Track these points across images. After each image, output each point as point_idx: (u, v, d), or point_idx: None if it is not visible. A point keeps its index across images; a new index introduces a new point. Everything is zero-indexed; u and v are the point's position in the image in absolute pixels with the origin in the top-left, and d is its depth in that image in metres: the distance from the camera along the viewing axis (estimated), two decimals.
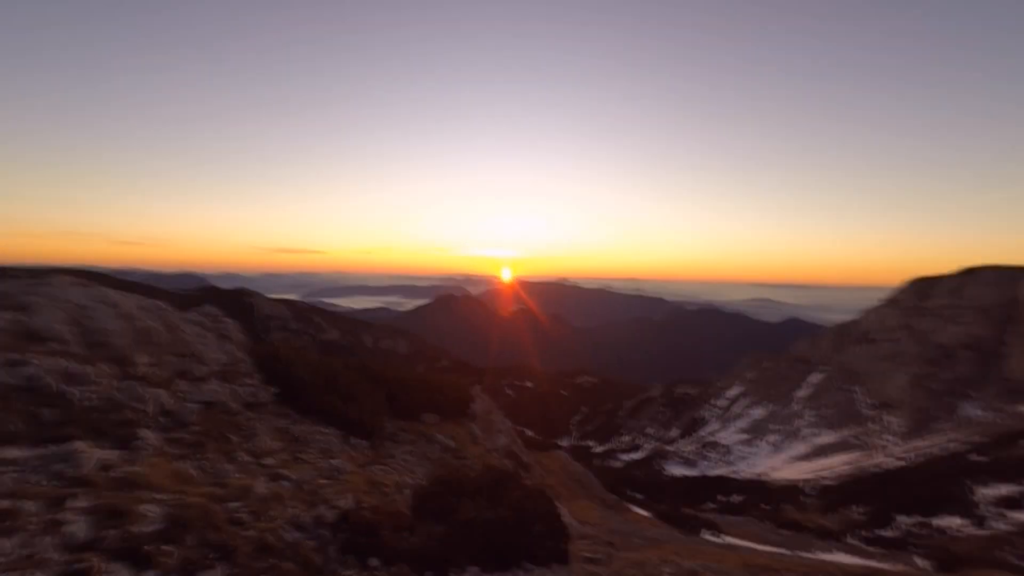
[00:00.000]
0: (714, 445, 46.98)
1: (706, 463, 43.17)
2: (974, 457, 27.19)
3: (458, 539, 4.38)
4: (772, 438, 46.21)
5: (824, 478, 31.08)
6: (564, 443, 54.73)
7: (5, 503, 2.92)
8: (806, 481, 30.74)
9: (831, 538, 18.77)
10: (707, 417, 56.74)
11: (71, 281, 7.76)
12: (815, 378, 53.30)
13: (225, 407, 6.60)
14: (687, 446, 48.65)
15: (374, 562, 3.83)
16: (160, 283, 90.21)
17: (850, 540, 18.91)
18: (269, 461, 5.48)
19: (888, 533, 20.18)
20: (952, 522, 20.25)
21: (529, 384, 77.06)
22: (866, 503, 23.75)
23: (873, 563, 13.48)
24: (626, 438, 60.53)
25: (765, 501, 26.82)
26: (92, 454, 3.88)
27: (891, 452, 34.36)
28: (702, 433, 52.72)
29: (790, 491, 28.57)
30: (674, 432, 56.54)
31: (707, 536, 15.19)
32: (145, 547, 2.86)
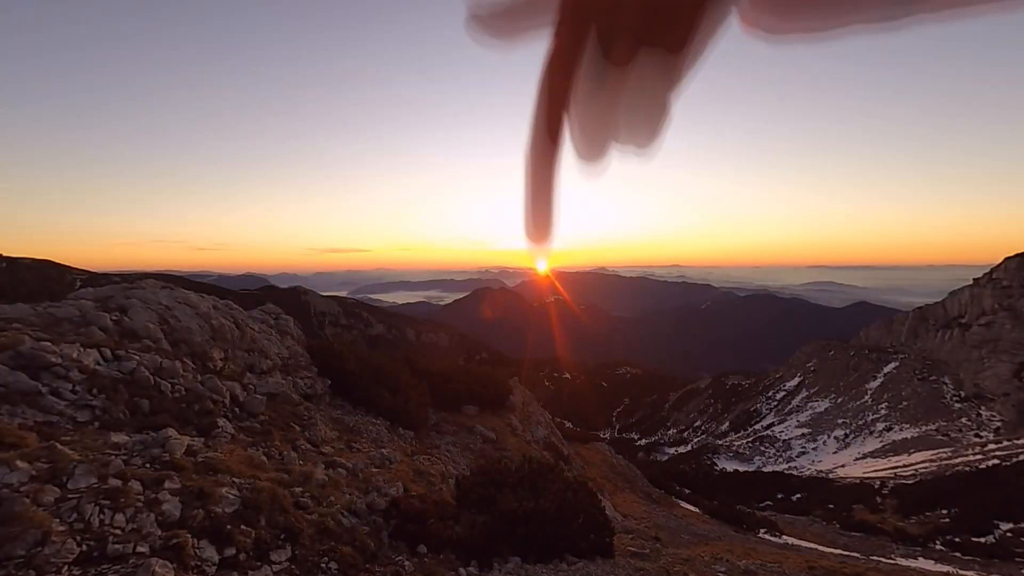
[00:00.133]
0: (770, 439, 44.12)
1: (761, 458, 40.72)
2: None
3: (500, 530, 4.50)
4: (838, 433, 42.48)
5: (902, 477, 28.17)
6: (605, 435, 54.14)
7: (116, 482, 3.42)
8: (880, 479, 28.05)
9: (912, 543, 17.04)
10: (762, 410, 53.28)
11: (158, 285, 8.82)
12: (890, 368, 47.98)
13: (287, 398, 7.22)
14: (740, 440, 46.15)
15: (422, 549, 4.04)
16: (228, 284, 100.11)
17: (937, 547, 17.05)
18: (326, 449, 5.93)
19: (985, 540, 17.93)
20: None
21: (567, 376, 76.70)
22: (955, 505, 21.20)
23: (969, 573, 12.09)
24: (672, 431, 58.57)
25: (830, 500, 24.86)
26: (182, 441, 4.42)
27: (986, 449, 30.30)
28: (756, 427, 49.67)
29: (861, 490, 26.23)
30: (725, 425, 53.79)
31: (764, 535, 14.41)
32: (227, 527, 3.23)
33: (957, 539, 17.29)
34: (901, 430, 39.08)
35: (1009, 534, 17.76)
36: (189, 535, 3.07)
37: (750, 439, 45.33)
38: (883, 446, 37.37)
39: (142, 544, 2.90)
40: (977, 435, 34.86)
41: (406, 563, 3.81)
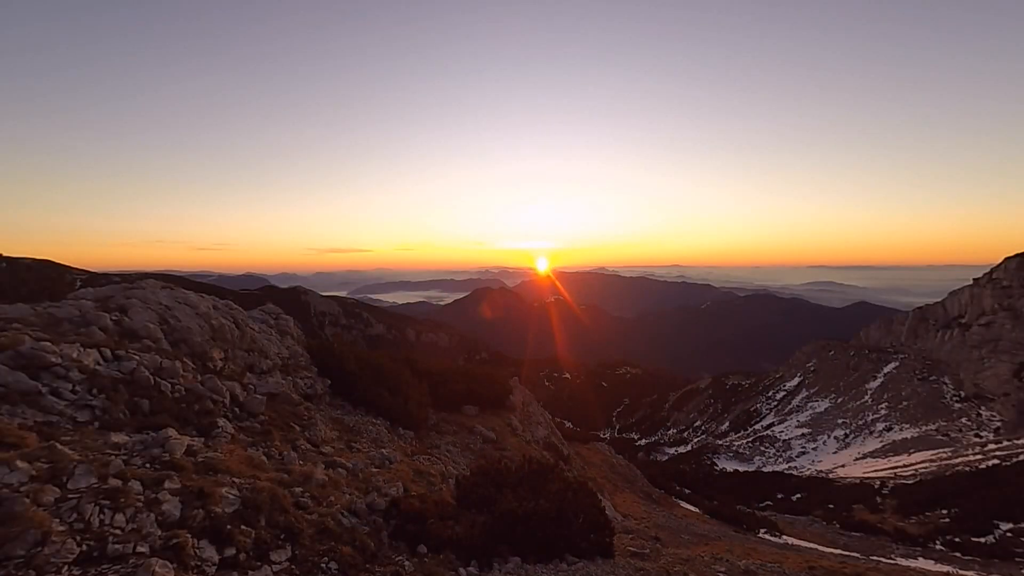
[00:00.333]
0: (770, 439, 44.12)
1: (762, 458, 40.71)
2: None
3: (500, 530, 4.49)
4: (838, 433, 42.48)
5: (902, 477, 28.17)
6: (605, 435, 54.14)
7: (116, 482, 3.42)
8: (880, 479, 28.05)
9: (912, 543, 17.05)
10: (762, 410, 53.28)
11: (158, 285, 8.82)
12: (890, 368, 47.98)
13: (287, 398, 7.22)
14: (740, 440, 46.15)
15: (422, 549, 4.04)
16: (228, 284, 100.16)
17: (937, 547, 17.05)
18: (326, 449, 5.93)
19: (985, 540, 17.92)
20: None
21: (567, 376, 76.70)
22: (955, 505, 21.19)
23: (969, 573, 12.09)
24: (672, 431, 58.57)
25: (830, 500, 24.86)
26: (181, 441, 4.41)
27: (986, 450, 30.29)
28: (756, 427, 49.68)
29: (861, 490, 26.22)
30: (725, 425, 53.80)
31: (764, 535, 14.40)
32: (227, 527, 3.23)
33: (957, 539, 17.28)
34: (901, 430, 39.09)
35: (1009, 534, 17.75)
36: (189, 535, 3.07)
37: (750, 439, 45.33)
38: (883, 446, 37.36)
39: (142, 544, 2.90)
40: (977, 435, 34.88)
41: (406, 563, 3.81)
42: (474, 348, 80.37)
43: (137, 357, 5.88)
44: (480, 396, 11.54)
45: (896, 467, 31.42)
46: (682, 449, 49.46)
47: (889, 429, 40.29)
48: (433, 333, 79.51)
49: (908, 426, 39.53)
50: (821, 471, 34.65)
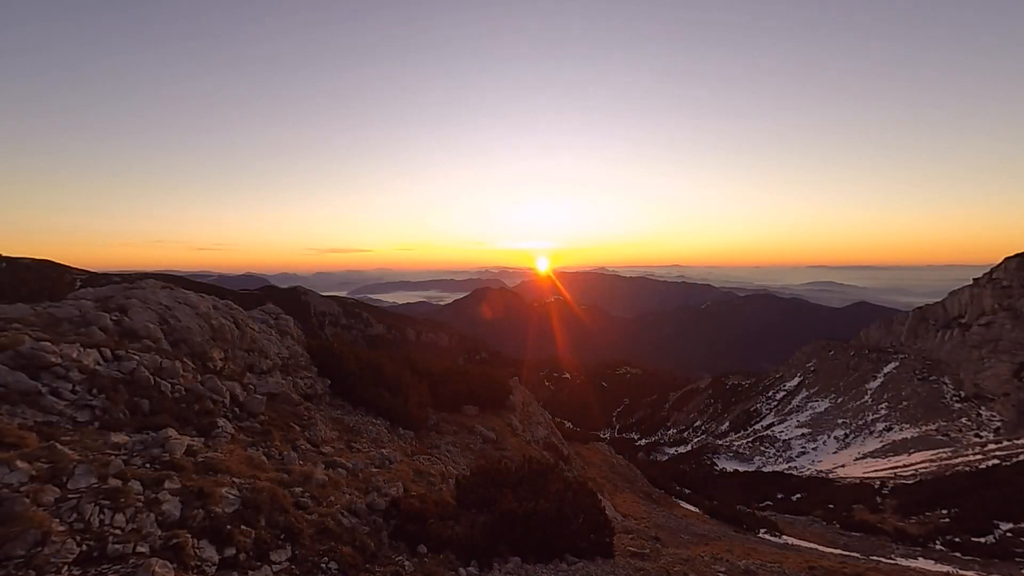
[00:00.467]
0: (770, 439, 44.12)
1: (762, 458, 40.71)
2: None
3: (500, 530, 4.49)
4: (838, 433, 42.48)
5: (902, 477, 28.17)
6: (605, 435, 54.12)
7: (116, 482, 3.42)
8: (880, 479, 28.06)
9: (912, 543, 17.05)
10: (762, 410, 53.28)
11: (158, 285, 8.82)
12: (890, 368, 47.98)
13: (287, 398, 7.22)
14: (740, 440, 46.15)
15: (422, 549, 4.04)
16: (228, 284, 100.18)
17: (937, 547, 17.06)
18: (326, 449, 5.93)
19: (985, 540, 17.93)
20: None
21: (567, 376, 76.70)
22: (955, 505, 21.19)
23: (969, 573, 12.09)
24: (672, 431, 58.57)
25: (830, 500, 24.86)
26: (181, 441, 4.41)
27: (986, 450, 30.30)
28: (756, 427, 49.67)
29: (861, 490, 26.23)
30: (725, 425, 53.80)
31: (764, 535, 14.40)
32: (227, 527, 3.23)
33: (957, 539, 17.27)
34: (901, 430, 39.09)
35: (1009, 534, 17.75)
36: (189, 535, 3.07)
37: (750, 439, 45.33)
38: (883, 446, 37.36)
39: (142, 544, 2.90)
40: (977, 435, 34.88)
41: (406, 563, 3.81)
42: (474, 348, 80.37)
43: (137, 357, 5.88)
44: (480, 396, 11.55)
45: (896, 467, 31.41)
46: (682, 449, 49.46)
47: (889, 429, 40.28)
48: (433, 333, 79.52)
49: (908, 426, 39.52)
50: (821, 471, 34.65)
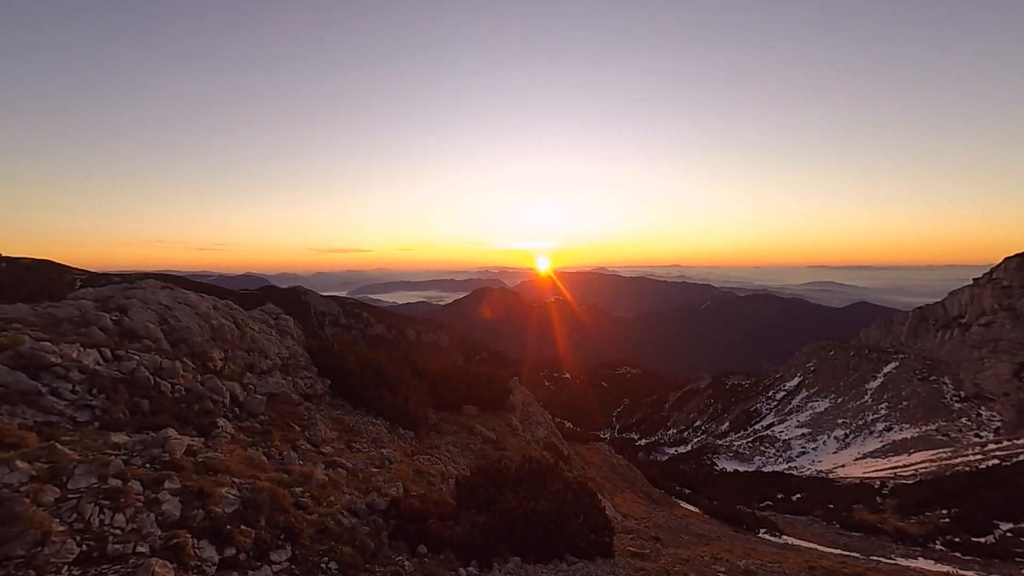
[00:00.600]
0: (770, 439, 44.13)
1: (762, 458, 40.72)
2: None
3: (500, 530, 4.49)
4: (838, 433, 42.50)
5: (902, 477, 28.19)
6: (605, 435, 54.15)
7: (116, 482, 3.42)
8: (880, 479, 28.08)
9: (912, 543, 17.05)
10: (762, 410, 53.29)
11: (158, 285, 8.82)
12: (890, 368, 47.99)
13: (287, 398, 7.22)
14: (740, 440, 46.16)
15: (422, 549, 4.04)
16: (228, 284, 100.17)
17: (937, 547, 17.06)
18: (326, 449, 5.93)
19: (985, 540, 17.93)
20: None
21: (567, 376, 76.72)
22: (955, 505, 21.20)
23: (969, 573, 12.10)
24: (672, 431, 58.59)
25: (830, 500, 24.87)
26: (181, 441, 4.42)
27: (986, 450, 30.30)
28: (756, 427, 49.68)
29: (861, 490, 26.24)
30: (725, 425, 53.81)
31: (764, 535, 14.41)
32: (227, 527, 3.23)
33: (957, 539, 17.27)
34: (901, 430, 39.10)
35: (1009, 534, 17.75)
36: (189, 535, 3.07)
37: (750, 439, 45.34)
38: (883, 446, 37.37)
39: (142, 544, 2.90)
40: (977, 435, 34.88)
41: (406, 563, 3.81)
42: (474, 348, 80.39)
43: (137, 357, 5.88)
44: (480, 396, 11.55)
45: (896, 467, 31.42)
46: (682, 449, 49.48)
47: (889, 429, 40.29)
48: (433, 333, 79.51)
49: (908, 426, 39.54)
50: (821, 471, 34.65)
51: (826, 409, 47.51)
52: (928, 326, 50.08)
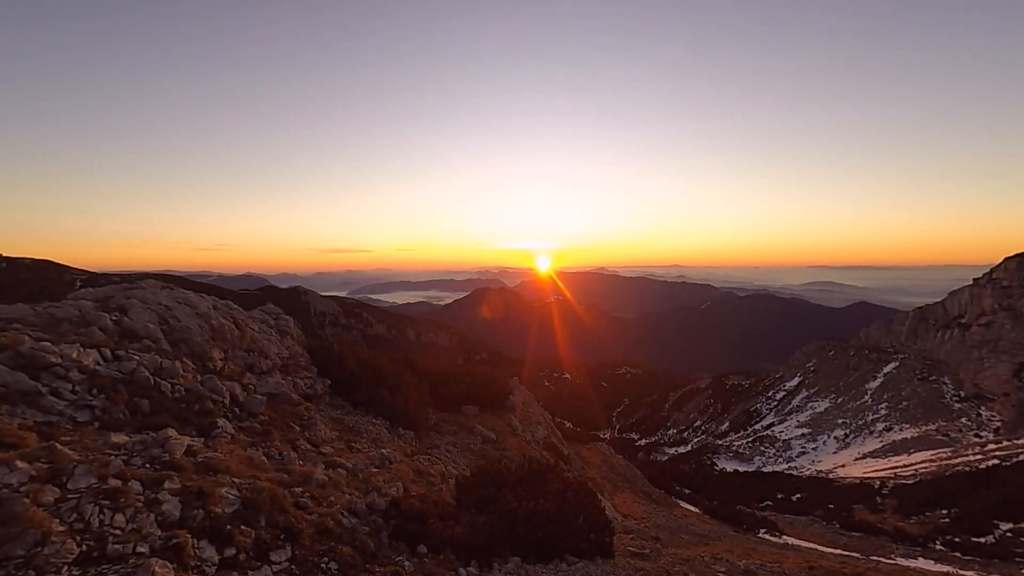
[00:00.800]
0: (770, 439, 44.13)
1: (762, 458, 40.71)
2: None
3: (500, 530, 4.49)
4: (838, 433, 42.50)
5: (902, 477, 28.20)
6: (605, 435, 54.13)
7: (116, 482, 3.42)
8: (880, 479, 28.08)
9: (912, 543, 17.05)
10: (762, 410, 53.28)
11: (158, 285, 8.82)
12: (890, 368, 48.00)
13: (287, 398, 7.21)
14: (740, 440, 46.15)
15: (422, 549, 4.04)
16: (228, 284, 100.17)
17: (937, 547, 17.06)
18: (326, 449, 5.93)
19: (985, 540, 17.94)
20: None
21: (567, 376, 76.72)
22: (955, 505, 21.21)
23: (969, 573, 12.10)
24: (672, 431, 58.59)
25: (830, 500, 24.87)
26: (181, 441, 4.41)
27: (986, 450, 30.31)
28: (756, 427, 49.68)
29: (861, 490, 26.24)
30: (725, 425, 53.80)
31: (764, 535, 14.41)
32: (227, 527, 3.23)
33: (957, 539, 17.27)
34: (901, 430, 39.10)
35: (1009, 534, 17.75)
36: (189, 535, 3.07)
37: (750, 439, 45.34)
38: (883, 446, 37.37)
39: (142, 544, 2.90)
40: (977, 435, 34.87)
41: (406, 563, 3.81)
42: (474, 348, 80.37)
43: (137, 357, 5.88)
44: (480, 396, 11.54)
45: (896, 467, 31.42)
46: (682, 449, 49.46)
47: (889, 429, 40.30)
48: (433, 333, 79.50)
49: (908, 426, 39.54)
50: (821, 471, 34.64)
51: (826, 409, 47.51)
52: (928, 326, 50.09)
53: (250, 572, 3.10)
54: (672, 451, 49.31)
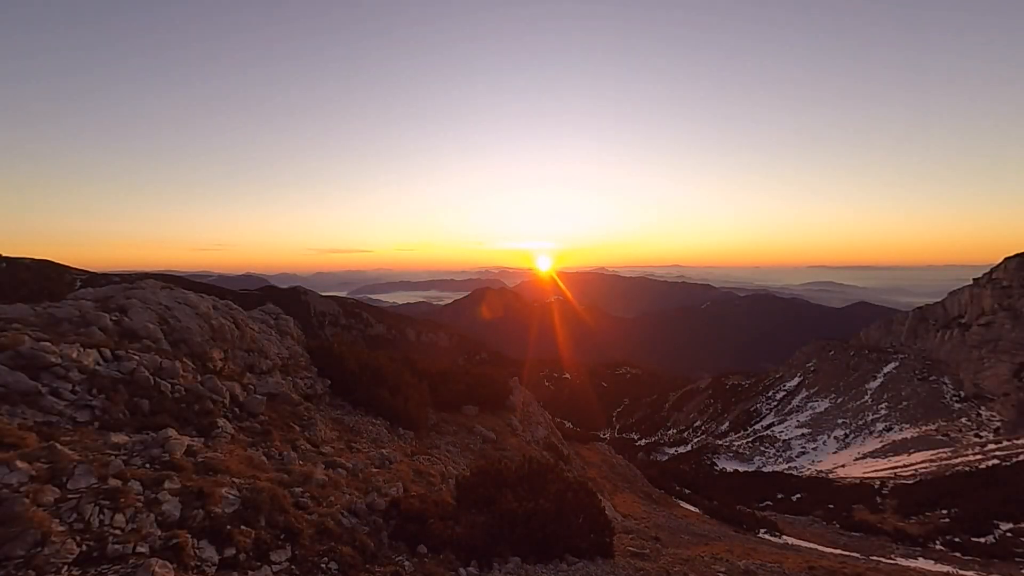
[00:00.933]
0: (770, 439, 44.14)
1: (762, 458, 40.72)
2: None
3: (500, 530, 4.49)
4: (838, 433, 42.51)
5: (902, 477, 28.20)
6: (605, 435, 54.14)
7: (116, 483, 3.42)
8: (880, 479, 28.08)
9: (912, 543, 17.06)
10: (762, 410, 53.30)
11: (158, 285, 8.82)
12: (890, 368, 48.01)
13: (287, 398, 7.21)
14: (740, 440, 46.17)
15: (422, 549, 4.04)
16: (228, 284, 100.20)
17: (937, 547, 17.07)
18: (326, 449, 5.93)
19: (985, 540, 17.94)
20: None
21: (567, 376, 76.74)
22: (955, 505, 21.22)
23: (969, 573, 12.10)
24: (672, 431, 58.61)
25: (830, 500, 24.87)
26: (181, 441, 4.41)
27: (986, 450, 30.32)
28: (756, 427, 49.69)
29: (861, 490, 26.25)
30: (725, 425, 53.82)
31: (764, 535, 14.41)
32: (227, 527, 3.23)
33: (957, 539, 17.27)
34: (901, 430, 39.10)
35: (1009, 534, 17.75)
36: (189, 535, 3.07)
37: (750, 439, 45.34)
38: (883, 446, 37.38)
39: (142, 544, 2.90)
40: (977, 435, 34.88)
41: (406, 563, 3.81)
42: (474, 348, 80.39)
43: (137, 357, 5.88)
44: (480, 396, 11.55)
45: (896, 467, 31.42)
46: (682, 449, 49.45)
47: (889, 429, 40.31)
48: (433, 333, 79.53)
49: (908, 426, 39.55)
50: (821, 471, 34.64)
51: (826, 409, 47.51)
52: (928, 326, 50.10)
53: (250, 572, 3.10)
54: (672, 451, 49.31)
